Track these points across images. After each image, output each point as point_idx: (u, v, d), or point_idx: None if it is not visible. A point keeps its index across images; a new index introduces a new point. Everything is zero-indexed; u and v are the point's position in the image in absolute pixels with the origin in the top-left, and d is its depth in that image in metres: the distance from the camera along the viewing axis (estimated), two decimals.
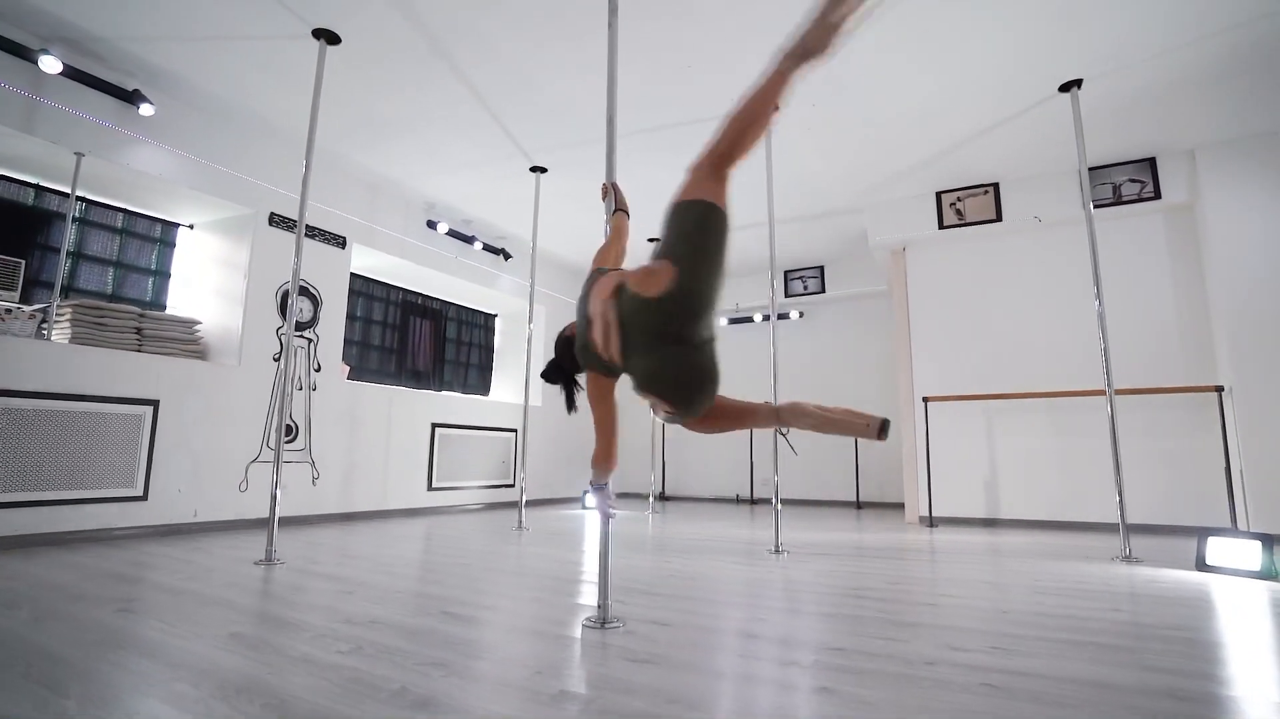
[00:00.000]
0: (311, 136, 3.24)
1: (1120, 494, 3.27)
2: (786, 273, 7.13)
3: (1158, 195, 4.36)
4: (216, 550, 3.17)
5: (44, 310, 3.54)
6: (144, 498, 3.63)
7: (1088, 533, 4.30)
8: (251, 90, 3.83)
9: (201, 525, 3.87)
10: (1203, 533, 2.88)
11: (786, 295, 7.08)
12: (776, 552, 3.41)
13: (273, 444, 4.31)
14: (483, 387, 6.87)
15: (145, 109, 3.62)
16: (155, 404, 3.72)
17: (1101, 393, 4.19)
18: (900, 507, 6.31)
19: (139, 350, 3.79)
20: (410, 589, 2.35)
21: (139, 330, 3.85)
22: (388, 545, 3.49)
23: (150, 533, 3.62)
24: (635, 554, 3.39)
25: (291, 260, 4.55)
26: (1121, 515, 3.24)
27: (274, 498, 2.97)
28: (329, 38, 3.27)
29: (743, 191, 5.30)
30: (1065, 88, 3.60)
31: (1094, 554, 3.37)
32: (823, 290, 6.93)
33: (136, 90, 3.60)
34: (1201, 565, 2.82)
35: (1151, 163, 4.39)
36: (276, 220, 4.43)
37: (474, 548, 3.46)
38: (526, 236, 5.93)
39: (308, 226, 4.63)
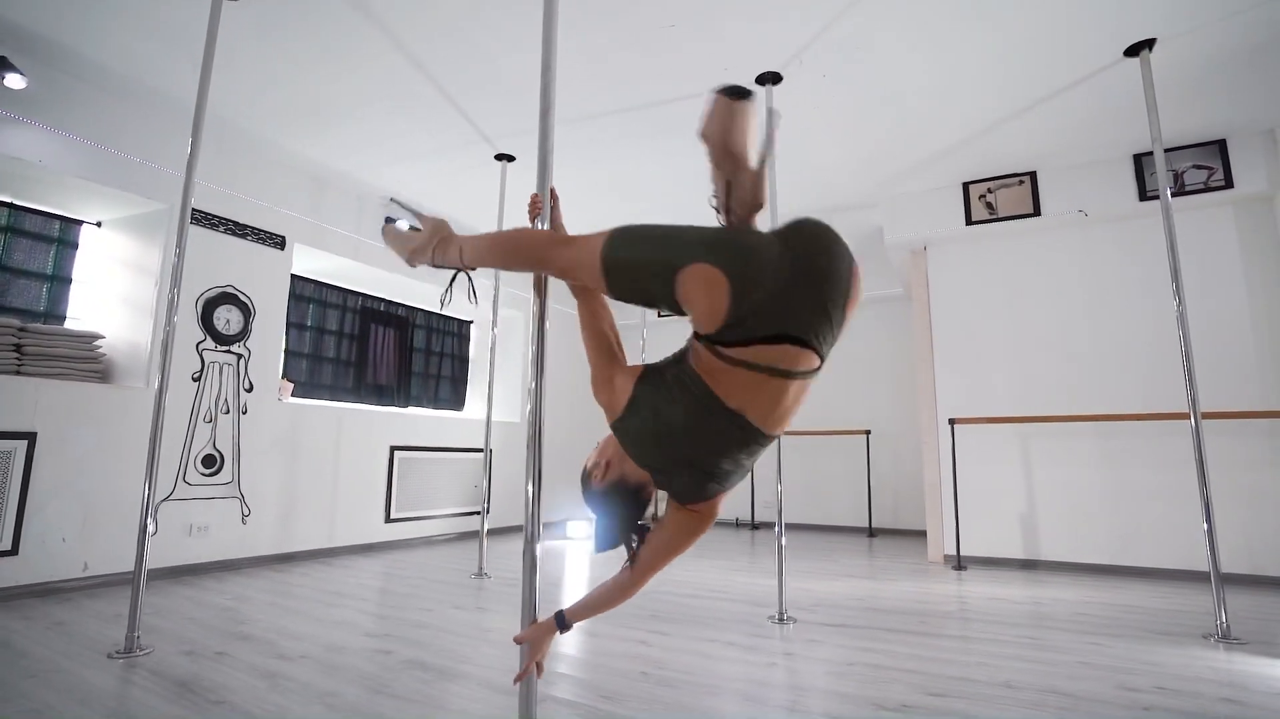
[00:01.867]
0: (202, 102, 2.60)
1: (1212, 545, 2.61)
2: None
3: (1229, 184, 3.70)
4: (82, 627, 2.54)
5: None
6: (13, 552, 3.00)
7: (1145, 582, 3.65)
8: (148, 62, 3.19)
9: (92, 581, 3.23)
10: None
11: None
12: (781, 620, 2.77)
13: (190, 478, 3.68)
14: (456, 400, 6.23)
15: (13, 80, 2.99)
16: (31, 437, 3.09)
17: (1176, 416, 3.56)
18: (918, 534, 5.65)
19: (17, 372, 3.16)
20: (280, 717, 1.71)
21: (18, 348, 3.22)
22: (307, 610, 2.86)
23: (19, 594, 2.99)
24: (609, 620, 2.74)
25: (217, 262, 3.97)
26: (1215, 574, 2.57)
27: (140, 560, 2.33)
28: None
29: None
30: (1133, 50, 2.94)
31: (1175, 626, 2.71)
32: None
33: (2, 58, 2.97)
34: None
35: (1221, 145, 3.73)
36: (198, 217, 3.80)
37: (410, 616, 2.82)
38: None
39: (235, 224, 4.00)
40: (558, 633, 1.37)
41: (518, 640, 1.34)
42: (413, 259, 1.51)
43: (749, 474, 1.31)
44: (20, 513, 3.03)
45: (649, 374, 1.23)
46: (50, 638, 2.39)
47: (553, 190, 1.54)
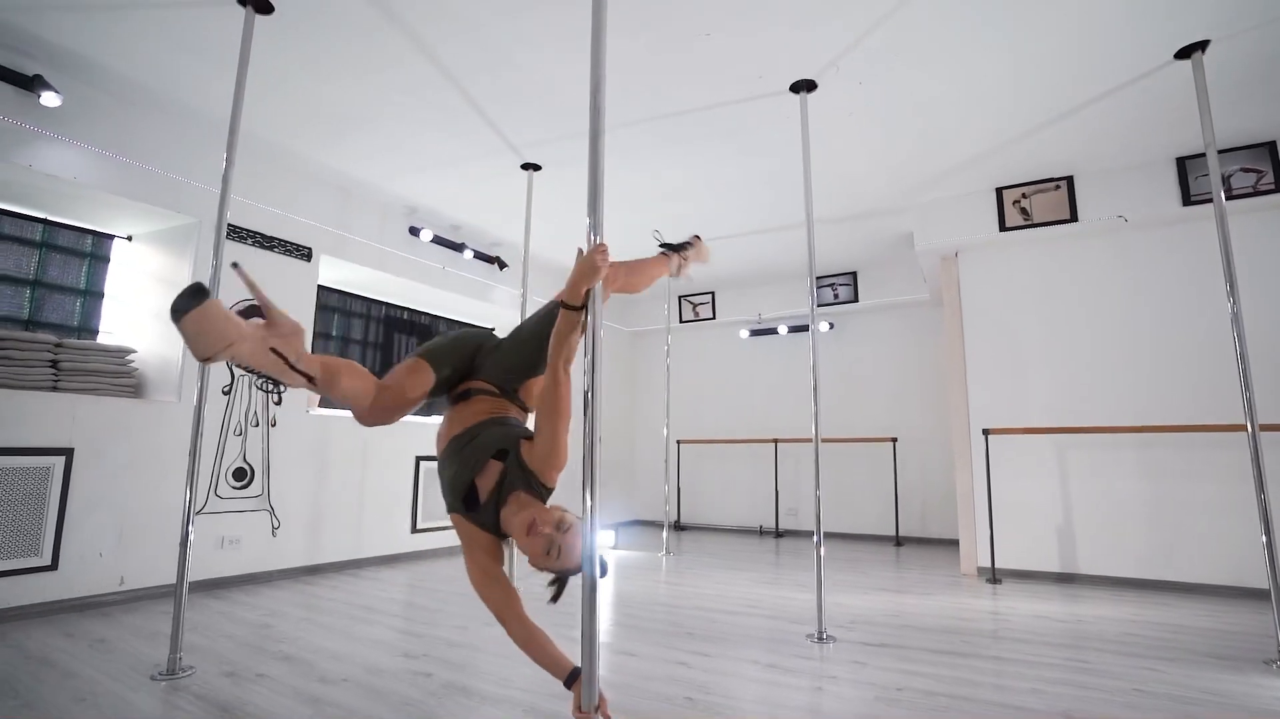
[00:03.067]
0: (236, 117, 2.59)
1: (1272, 562, 2.51)
2: (816, 279, 6.38)
3: (1279, 187, 3.59)
4: (123, 645, 2.54)
5: None
6: (53, 567, 3.01)
7: (1188, 598, 3.55)
8: (179, 77, 3.20)
9: (129, 595, 3.25)
10: None
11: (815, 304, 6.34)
12: (820, 639, 2.72)
13: (221, 492, 3.69)
14: None
15: (49, 99, 3.00)
16: (68, 453, 3.10)
17: (1230, 428, 3.47)
18: (946, 544, 5.57)
19: (54, 388, 3.18)
20: None
21: (55, 363, 3.24)
22: (342, 627, 2.84)
23: (61, 610, 3.00)
24: (637, 637, 2.71)
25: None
26: (1275, 594, 2.48)
27: (181, 581, 2.33)
28: (258, 5, 2.63)
29: (772, 191, 4.62)
30: (1184, 53, 2.86)
31: (1233, 649, 2.63)
32: (855, 299, 6.20)
33: (37, 76, 2.98)
34: None
35: (1271, 148, 3.62)
36: (228, 230, 3.80)
37: (445, 634, 2.80)
38: (522, 242, 5.27)
39: (263, 236, 4.01)
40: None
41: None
42: (226, 353, 1.27)
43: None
44: (59, 528, 3.04)
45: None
46: (93, 657, 2.39)
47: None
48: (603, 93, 1.70)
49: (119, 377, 3.47)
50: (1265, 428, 3.15)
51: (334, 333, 5.03)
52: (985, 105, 3.41)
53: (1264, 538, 2.53)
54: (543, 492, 1.59)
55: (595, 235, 1.61)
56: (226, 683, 2.16)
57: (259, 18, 2.68)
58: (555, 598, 1.61)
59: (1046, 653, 2.57)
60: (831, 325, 6.59)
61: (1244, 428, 2.61)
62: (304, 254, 4.24)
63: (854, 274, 6.22)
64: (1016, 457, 4.24)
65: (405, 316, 5.61)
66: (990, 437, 4.23)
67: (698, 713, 1.95)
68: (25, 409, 3.00)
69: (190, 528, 2.37)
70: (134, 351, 3.59)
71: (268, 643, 2.63)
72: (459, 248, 5.24)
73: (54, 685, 2.10)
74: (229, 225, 3.79)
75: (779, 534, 6.44)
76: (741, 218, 5.02)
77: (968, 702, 2.05)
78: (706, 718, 1.91)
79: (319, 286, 4.58)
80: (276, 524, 3.95)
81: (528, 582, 3.23)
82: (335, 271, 4.73)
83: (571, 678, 1.51)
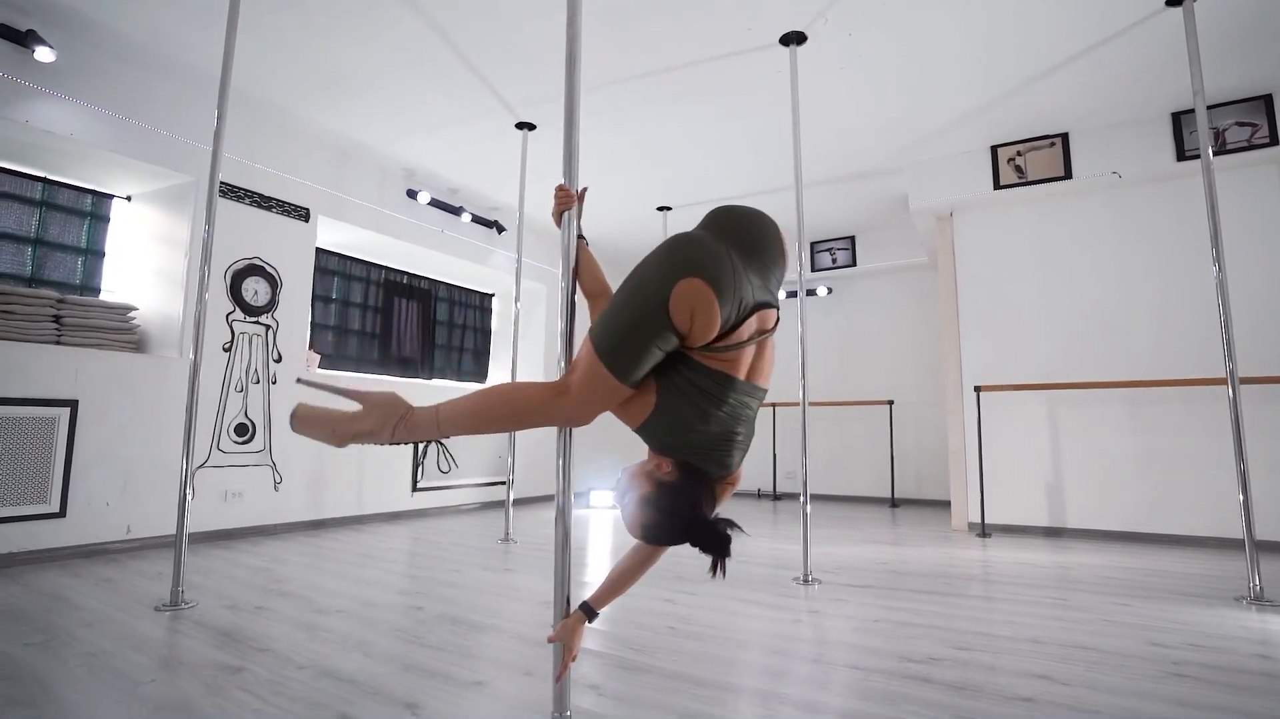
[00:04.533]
0: (227, 73, 2.62)
1: (1247, 510, 2.56)
2: (813, 244, 6.40)
3: (1274, 141, 3.56)
4: (129, 584, 2.64)
5: None
6: (60, 514, 3.11)
7: (1175, 549, 3.61)
8: (174, 35, 3.22)
9: (135, 543, 3.35)
10: None
11: (813, 270, 6.37)
12: (805, 582, 2.80)
13: (224, 446, 3.78)
14: (479, 373, 6.30)
15: (43, 54, 3.03)
16: (73, 405, 3.18)
17: (1213, 382, 3.49)
18: (941, 504, 5.64)
19: (57, 343, 3.25)
20: (320, 662, 1.78)
21: (58, 319, 3.31)
22: (339, 571, 2.94)
23: (69, 555, 3.11)
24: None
25: (244, 234, 4.04)
26: (1249, 538, 2.53)
27: (181, 521, 2.41)
28: None
29: (762, 154, 4.60)
30: (1175, 1, 2.83)
31: (1206, 589, 2.69)
32: (854, 263, 6.20)
33: (31, 31, 3.00)
34: None
35: (1267, 101, 3.59)
36: (225, 189, 3.85)
37: (439, 576, 2.89)
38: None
39: (260, 196, 4.04)
40: (586, 623, 1.38)
41: (551, 640, 1.35)
42: (356, 440, 1.30)
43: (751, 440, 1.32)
44: (66, 477, 3.13)
45: (661, 384, 1.24)
46: (100, 593, 2.49)
47: (583, 190, 1.56)
48: (578, 43, 1.71)
49: (121, 332, 3.54)
50: (1246, 380, 3.18)
51: (334, 295, 5.08)
52: (978, 58, 3.39)
53: (1240, 491, 2.58)
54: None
55: (573, 187, 1.58)
56: (226, 613, 2.25)
57: None
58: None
59: (1025, 593, 2.64)
60: (830, 290, 6.60)
61: (1225, 381, 2.62)
62: (302, 214, 4.28)
63: (852, 238, 6.21)
64: (1008, 414, 4.28)
65: (405, 280, 5.65)
66: (982, 394, 4.26)
67: (677, 638, 2.02)
68: (30, 362, 3.07)
69: (188, 477, 2.44)
70: (135, 309, 3.66)
71: (269, 583, 2.72)
72: (457, 211, 5.27)
73: (62, 614, 2.19)
74: (228, 185, 3.84)
75: (776, 497, 6.52)
76: (731, 180, 5.00)
77: (940, 630, 2.11)
78: (684, 643, 1.98)
79: (318, 249, 4.63)
80: (279, 479, 4.05)
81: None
82: (334, 234, 4.77)
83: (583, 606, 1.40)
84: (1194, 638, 2.03)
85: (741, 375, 1.24)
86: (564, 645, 1.34)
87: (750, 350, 1.26)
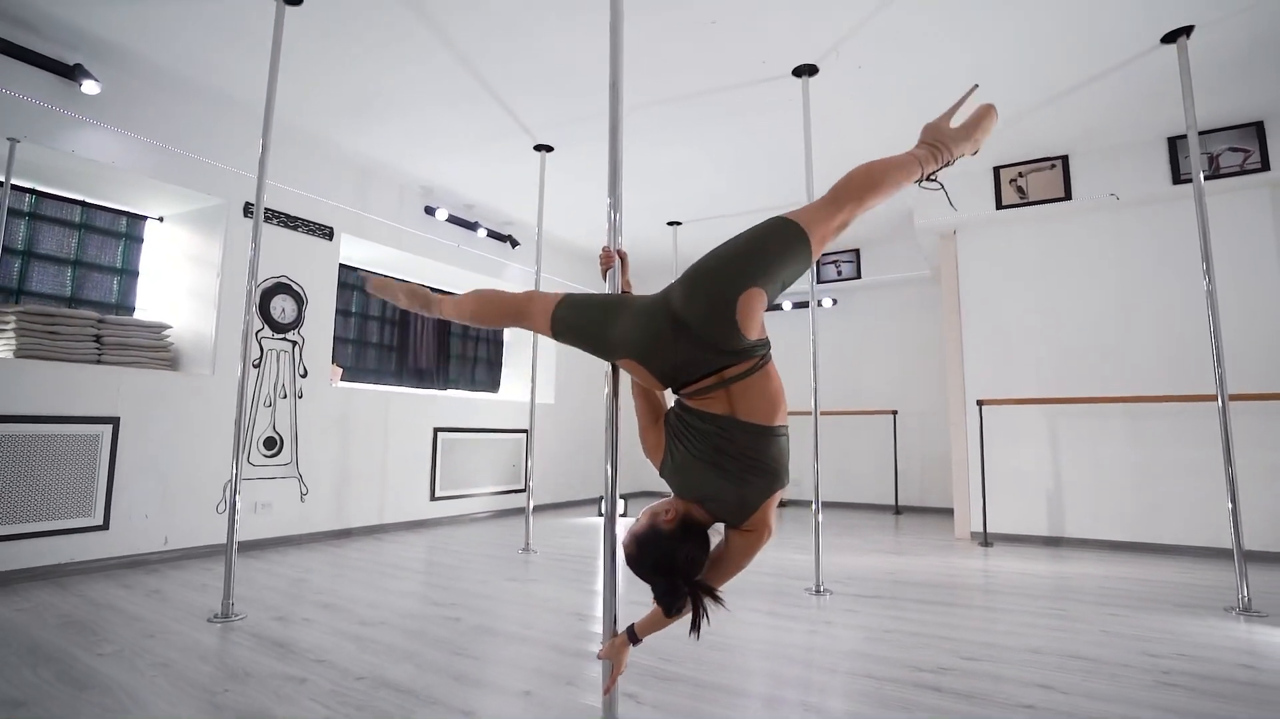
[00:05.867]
0: (270, 107, 2.76)
1: (1236, 521, 2.71)
2: (818, 257, 6.53)
3: (1265, 166, 3.71)
4: (176, 595, 2.78)
5: None
6: (104, 527, 3.25)
7: (1171, 558, 3.76)
8: (213, 65, 3.36)
9: (173, 554, 3.49)
10: None
11: (819, 281, 6.49)
12: (818, 592, 2.94)
13: (253, 460, 3.92)
14: (491, 383, 6.44)
15: (89, 86, 3.17)
16: (115, 422, 3.32)
17: (1209, 398, 3.63)
18: (944, 512, 5.79)
19: (98, 362, 3.40)
20: (376, 673, 1.92)
21: (98, 338, 3.45)
22: (373, 581, 3.08)
23: (113, 566, 3.25)
24: (649, 592, 2.93)
25: (272, 254, 4.18)
26: (1238, 550, 2.68)
27: (231, 538, 2.55)
28: None
29: (773, 171, 4.75)
30: (1170, 37, 2.98)
31: (1198, 599, 2.84)
32: (858, 276, 6.34)
33: (78, 65, 3.15)
34: None
35: (1259, 128, 3.74)
36: (252, 211, 3.98)
37: (469, 587, 3.03)
38: (534, 221, 5.44)
39: (287, 216, 4.19)
40: (631, 647, 1.51)
41: (600, 657, 1.50)
42: (411, 306, 1.92)
43: (785, 473, 1.40)
44: (109, 491, 3.28)
45: (668, 419, 1.47)
46: (152, 604, 2.63)
47: (621, 252, 1.69)
48: (620, 76, 1.85)
49: (157, 350, 3.68)
50: (1235, 397, 3.32)
51: (354, 309, 5.22)
52: (982, 87, 3.52)
53: (1229, 502, 2.73)
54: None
55: (614, 214, 1.75)
56: (277, 625, 2.39)
57: (289, 9, 2.83)
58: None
59: (1026, 603, 2.78)
60: (835, 301, 6.74)
61: (1210, 397, 2.77)
62: (326, 233, 4.42)
63: (857, 251, 6.36)
64: (1009, 426, 4.42)
65: None
66: (984, 407, 4.41)
67: (703, 649, 2.16)
68: (75, 381, 3.21)
69: (236, 492, 2.59)
70: (169, 327, 3.80)
71: (307, 594, 2.86)
72: (473, 226, 5.41)
73: (123, 625, 2.33)
74: (253, 205, 3.97)
75: (783, 504, 6.65)
76: (747, 195, 5.15)
77: (947, 640, 2.26)
78: (709, 653, 2.13)
79: (339, 265, 4.77)
80: (305, 490, 4.19)
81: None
82: (355, 250, 4.91)
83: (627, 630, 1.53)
84: (1183, 648, 2.17)
85: (723, 410, 1.37)
86: (613, 663, 1.48)
87: (731, 391, 1.36)
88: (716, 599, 1.34)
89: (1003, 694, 1.78)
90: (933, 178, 1.58)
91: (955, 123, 1.59)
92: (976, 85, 1.73)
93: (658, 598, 1.35)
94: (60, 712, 1.62)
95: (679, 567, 1.34)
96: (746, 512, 1.38)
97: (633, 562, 1.39)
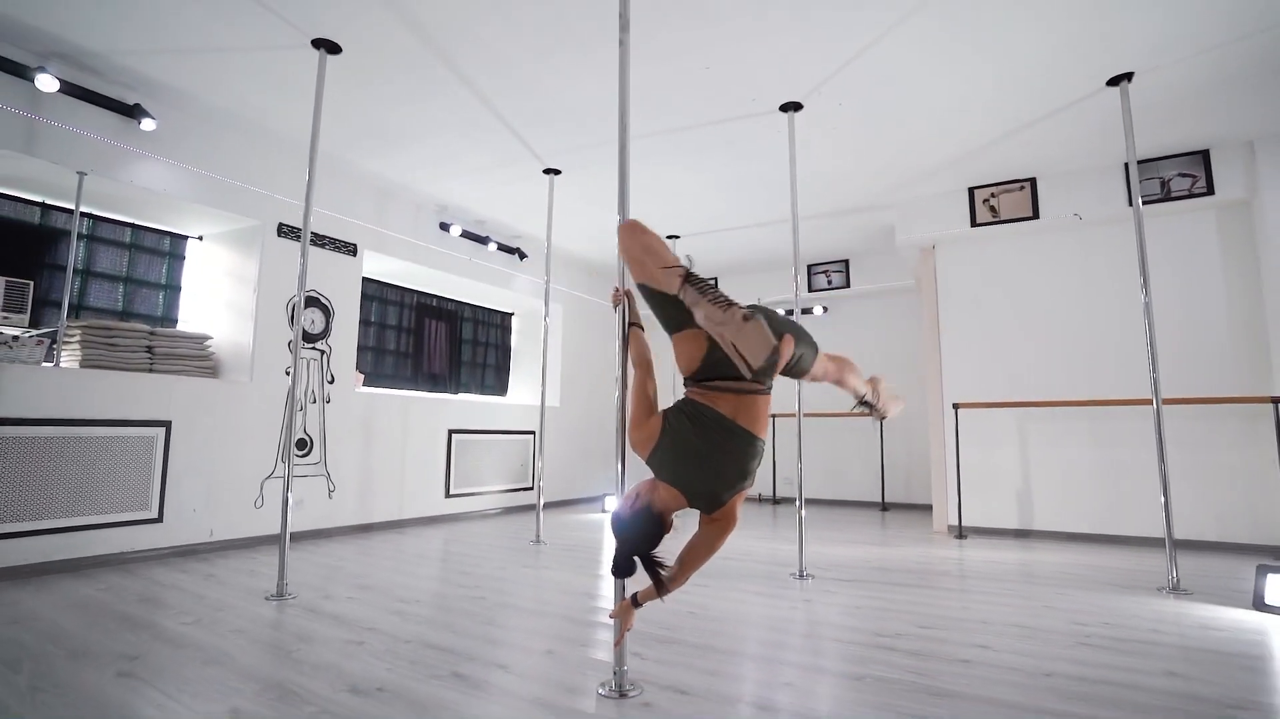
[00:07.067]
0: (314, 146, 3.11)
1: (1167, 513, 3.07)
2: (810, 266, 6.90)
3: (1210, 190, 4.07)
4: (230, 579, 3.14)
5: (52, 334, 3.50)
6: (159, 520, 3.61)
7: (1127, 548, 4.11)
8: (254, 102, 3.72)
9: (218, 544, 3.85)
10: (1261, 568, 2.69)
11: (810, 290, 6.87)
12: (801, 577, 3.29)
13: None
14: (500, 387, 6.80)
15: (147, 124, 3.53)
16: (167, 425, 3.68)
17: (1147, 402, 3.99)
18: (927, 508, 6.14)
19: (150, 370, 3.75)
20: (420, 637, 2.27)
21: (150, 349, 3.80)
22: (402, 568, 3.44)
23: (167, 554, 3.61)
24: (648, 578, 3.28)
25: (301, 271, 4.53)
26: (1169, 537, 3.04)
27: (284, 527, 2.91)
28: (329, 47, 3.13)
29: (767, 190, 5.11)
30: (1114, 81, 3.34)
31: (1137, 581, 3.19)
32: (847, 285, 6.70)
33: (137, 105, 3.50)
34: (1260, 605, 2.63)
35: (1204, 156, 4.10)
36: (285, 230, 4.34)
37: (489, 572, 3.39)
38: (541, 235, 5.81)
39: (315, 235, 4.54)
40: (635, 610, 1.85)
41: (612, 616, 1.85)
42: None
43: (753, 476, 1.70)
44: (163, 488, 3.63)
45: (668, 413, 1.71)
46: (212, 586, 2.98)
47: (629, 291, 2.03)
48: (628, 115, 2.19)
49: (201, 360, 4.03)
50: (1170, 401, 3.71)
51: (373, 319, 5.58)
52: (953, 120, 3.89)
53: (1161, 495, 3.09)
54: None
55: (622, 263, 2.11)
56: (326, 602, 2.74)
57: (330, 58, 3.19)
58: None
59: (987, 585, 3.14)
60: (826, 309, 7.10)
61: (1149, 401, 3.13)
62: (350, 250, 4.78)
63: (846, 261, 6.72)
64: (983, 428, 4.78)
65: (434, 303, 6.15)
66: (959, 410, 4.76)
67: (698, 621, 2.52)
68: (133, 388, 3.57)
69: (288, 488, 2.94)
70: (211, 337, 4.15)
71: (344, 578, 3.22)
72: (484, 240, 5.77)
73: (193, 603, 2.69)
74: (288, 226, 4.35)
75: (775, 501, 7.02)
76: (741, 213, 5.51)
77: (910, 613, 2.61)
78: (704, 624, 2.48)
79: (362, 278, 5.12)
80: (332, 488, 4.54)
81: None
82: (375, 264, 5.27)
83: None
84: (1109, 618, 2.53)
85: (729, 413, 1.60)
86: (621, 621, 1.84)
87: (743, 399, 1.61)
88: (658, 574, 1.68)
89: (946, 652, 2.14)
90: (865, 401, 2.05)
91: (856, 384, 2.04)
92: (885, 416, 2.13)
93: (614, 562, 1.72)
94: (168, 663, 1.98)
95: (630, 539, 1.67)
96: (719, 503, 1.65)
97: (613, 518, 1.73)
